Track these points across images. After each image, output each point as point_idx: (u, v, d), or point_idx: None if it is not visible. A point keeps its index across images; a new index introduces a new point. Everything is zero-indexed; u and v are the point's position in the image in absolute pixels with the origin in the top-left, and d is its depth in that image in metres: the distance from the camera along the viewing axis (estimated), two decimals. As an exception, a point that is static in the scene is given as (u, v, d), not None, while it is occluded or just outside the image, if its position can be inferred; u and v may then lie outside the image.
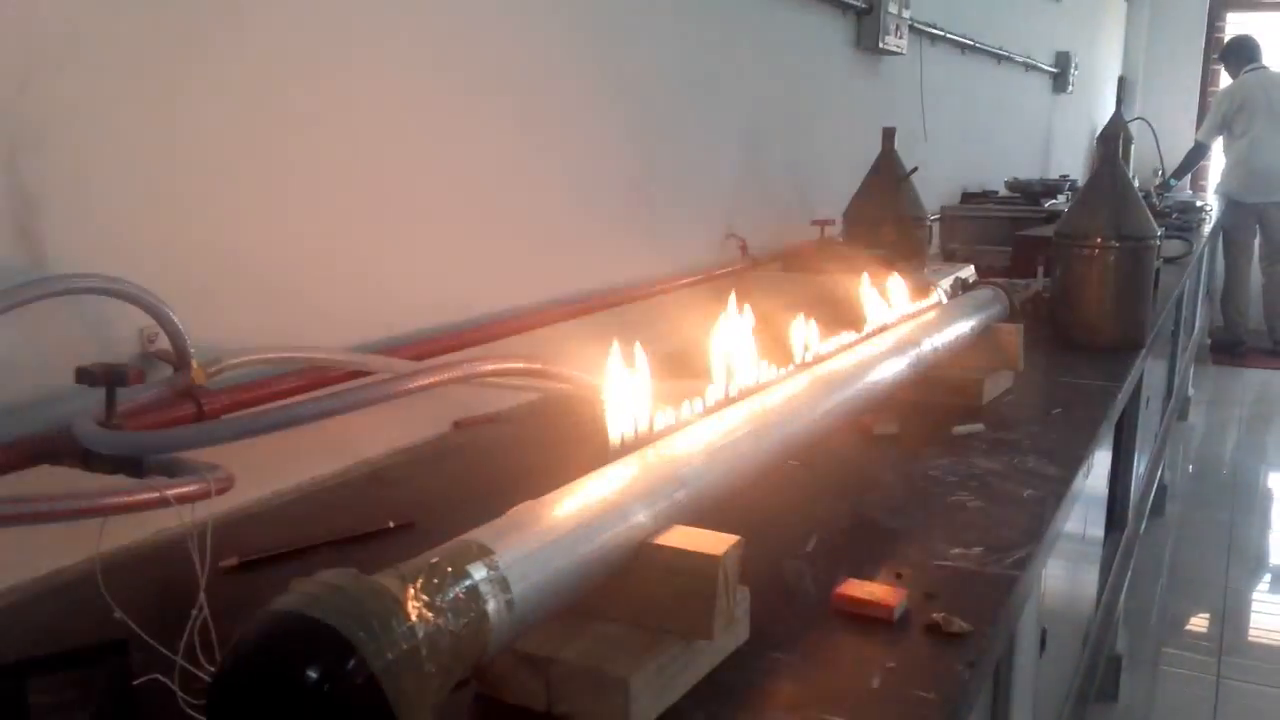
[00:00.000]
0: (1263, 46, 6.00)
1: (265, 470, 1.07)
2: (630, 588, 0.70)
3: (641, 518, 0.70)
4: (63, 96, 0.89)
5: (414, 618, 0.52)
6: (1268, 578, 3.21)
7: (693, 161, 1.90)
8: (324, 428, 1.02)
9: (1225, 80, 6.24)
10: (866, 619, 0.81)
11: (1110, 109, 5.91)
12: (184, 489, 0.72)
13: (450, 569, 0.57)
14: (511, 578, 0.59)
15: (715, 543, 0.69)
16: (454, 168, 1.33)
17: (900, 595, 0.82)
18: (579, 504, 0.68)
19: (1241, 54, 6.01)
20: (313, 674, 0.48)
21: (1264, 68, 5.94)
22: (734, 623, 0.74)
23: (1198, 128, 6.42)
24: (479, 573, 0.58)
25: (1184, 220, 3.92)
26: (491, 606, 0.57)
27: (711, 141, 1.97)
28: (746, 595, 0.76)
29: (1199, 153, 6.13)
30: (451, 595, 0.55)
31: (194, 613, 0.67)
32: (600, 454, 0.75)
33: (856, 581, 0.84)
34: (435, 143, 1.29)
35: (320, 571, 0.53)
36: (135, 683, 0.65)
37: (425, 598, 0.54)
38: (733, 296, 0.94)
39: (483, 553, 0.59)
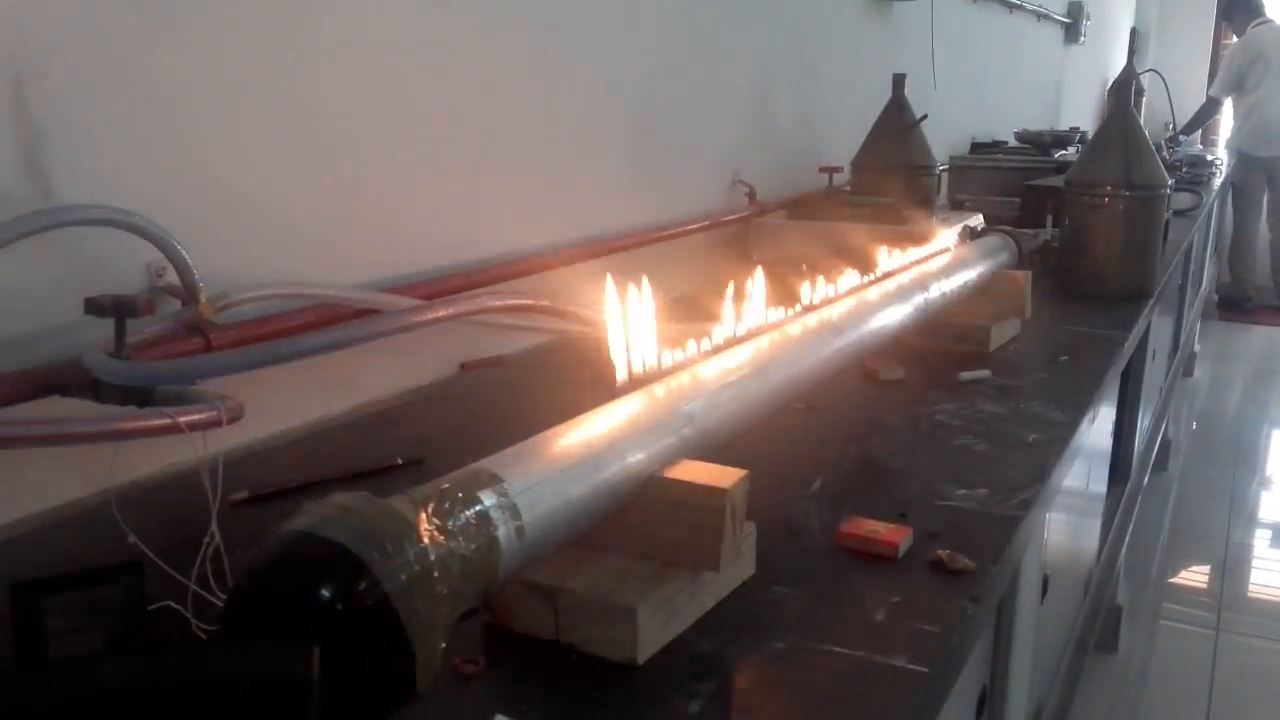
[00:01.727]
0: (1266, 1, 5.93)
1: (274, 410, 1.07)
2: (638, 521, 0.70)
3: (649, 452, 0.70)
4: (69, 25, 0.88)
5: (426, 540, 0.53)
6: (1269, 534, 3.22)
7: (701, 107, 1.89)
8: (332, 368, 1.03)
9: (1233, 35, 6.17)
10: (871, 556, 0.81)
11: (1122, 61, 5.81)
12: (196, 416, 0.72)
13: (461, 495, 0.57)
14: (521, 505, 0.59)
15: (723, 476, 0.70)
16: (462, 110, 1.32)
17: (905, 533, 0.82)
18: (587, 436, 0.68)
19: (1245, 8, 5.94)
20: (326, 593, 0.48)
21: (1271, 21, 5.86)
22: (740, 556, 0.74)
23: (1210, 82, 6.35)
24: (489, 499, 0.58)
25: (1194, 174, 3.89)
26: (502, 532, 0.58)
27: (720, 87, 1.95)
28: (753, 529, 0.76)
29: (1211, 107, 6.07)
30: (463, 520, 0.56)
31: (206, 540, 0.67)
32: (608, 392, 0.75)
33: (861, 519, 0.85)
34: (444, 84, 1.28)
35: (333, 494, 0.53)
36: (149, 608, 0.65)
37: (437, 521, 0.54)
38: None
39: (493, 480, 0.60)
